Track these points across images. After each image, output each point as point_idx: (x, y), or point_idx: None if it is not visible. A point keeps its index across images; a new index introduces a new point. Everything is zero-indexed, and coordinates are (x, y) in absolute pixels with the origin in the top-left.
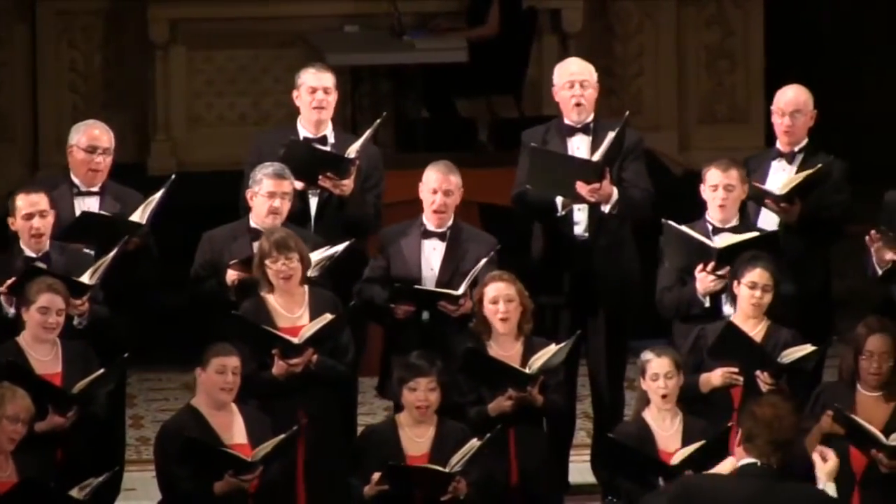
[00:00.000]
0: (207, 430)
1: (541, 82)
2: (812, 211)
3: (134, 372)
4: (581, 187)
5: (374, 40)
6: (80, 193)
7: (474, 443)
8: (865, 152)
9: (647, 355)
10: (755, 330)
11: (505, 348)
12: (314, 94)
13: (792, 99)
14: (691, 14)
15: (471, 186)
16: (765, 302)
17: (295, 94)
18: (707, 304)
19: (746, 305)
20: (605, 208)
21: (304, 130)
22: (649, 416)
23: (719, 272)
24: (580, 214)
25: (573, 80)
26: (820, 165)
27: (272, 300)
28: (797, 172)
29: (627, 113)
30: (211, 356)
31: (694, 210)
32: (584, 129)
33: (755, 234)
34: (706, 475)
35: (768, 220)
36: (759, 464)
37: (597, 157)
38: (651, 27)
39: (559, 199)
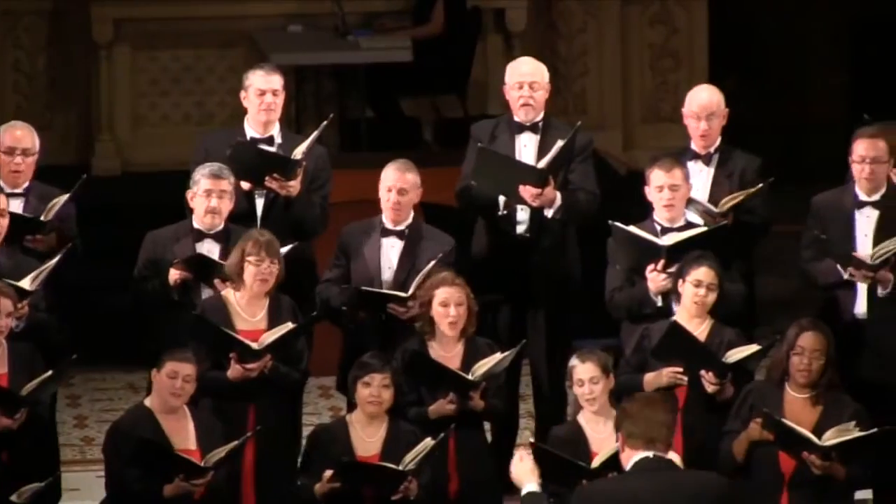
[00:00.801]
0: (159, 432)
1: (485, 81)
2: (737, 214)
3: (78, 372)
4: (524, 191)
5: (318, 40)
6: (8, 195)
7: (428, 442)
8: (808, 152)
9: (573, 361)
10: (699, 329)
11: (447, 349)
12: (262, 96)
13: (706, 102)
14: (635, 13)
15: None
16: (709, 301)
17: (242, 94)
18: (660, 304)
19: (690, 304)
20: (548, 213)
21: (251, 131)
22: (583, 418)
23: (670, 270)
24: (523, 214)
25: (523, 82)
26: (761, 185)
27: (234, 300)
28: (715, 172)
29: (580, 123)
30: (166, 359)
31: (638, 209)
32: (533, 128)
33: (703, 229)
34: (603, 480)
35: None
36: (651, 456)
37: (542, 164)
38: (595, 26)
39: (502, 199)
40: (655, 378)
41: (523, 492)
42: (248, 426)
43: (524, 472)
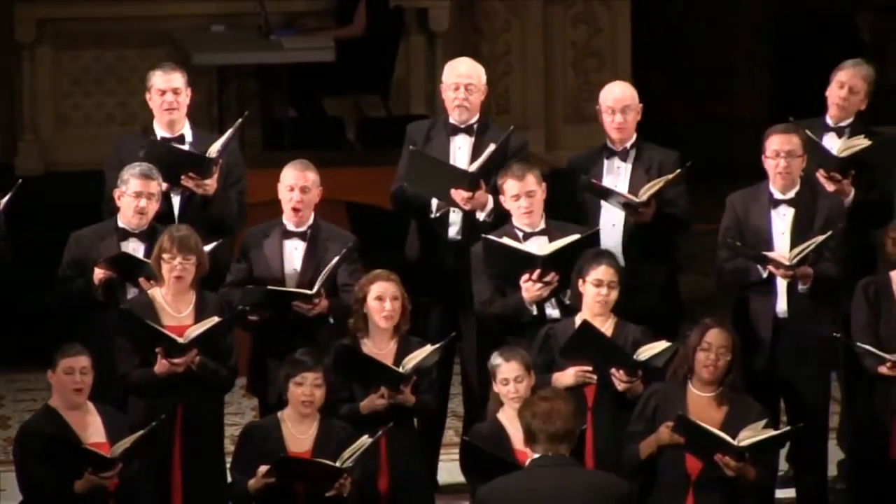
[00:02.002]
0: (66, 429)
1: (408, 81)
2: (658, 207)
3: (2, 373)
4: (455, 194)
5: (240, 40)
6: None
7: (365, 439)
8: (732, 151)
9: (496, 360)
10: (603, 327)
11: (380, 346)
12: (163, 95)
13: (620, 96)
14: (558, 12)
15: (338, 185)
16: (611, 299)
17: (147, 95)
18: (535, 312)
19: (592, 303)
20: (480, 216)
21: (160, 131)
22: (504, 416)
23: (545, 279)
24: (455, 216)
25: (459, 83)
26: (679, 171)
27: (160, 298)
28: (633, 167)
29: (512, 128)
30: (59, 358)
31: (562, 209)
32: (468, 130)
33: (575, 237)
34: (501, 479)
35: (611, 216)
36: (551, 454)
37: (473, 167)
38: (518, 26)
39: (434, 201)
40: (562, 377)
41: None
42: (176, 424)
43: None
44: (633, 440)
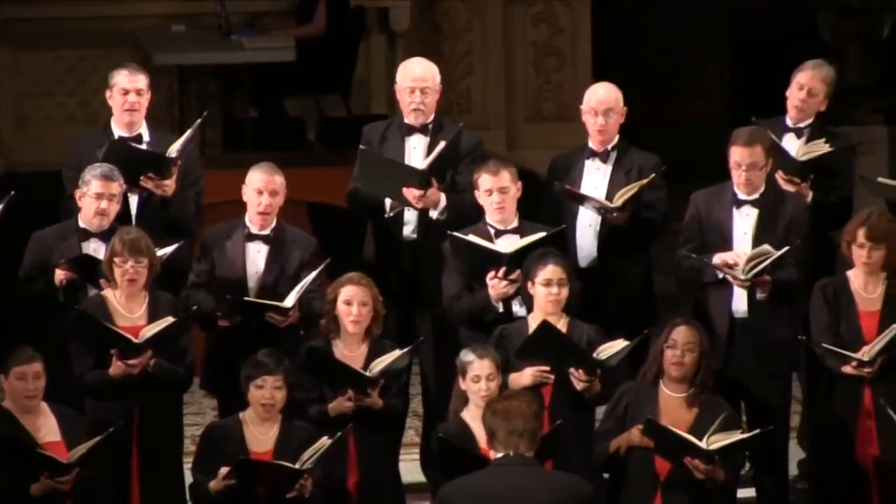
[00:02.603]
0: (20, 430)
1: (369, 81)
2: (635, 210)
3: None
4: (407, 193)
5: (201, 40)
6: None
7: (325, 441)
8: (691, 150)
9: (468, 356)
10: (557, 326)
11: (351, 349)
12: (126, 95)
13: (604, 98)
14: (519, 12)
15: (299, 186)
16: (562, 297)
17: (108, 93)
18: (501, 309)
19: (544, 303)
20: (433, 214)
21: (118, 130)
22: (468, 415)
23: (511, 277)
24: (410, 215)
25: (414, 86)
26: (653, 175)
27: (113, 299)
28: (612, 170)
29: (461, 124)
30: (10, 364)
31: (522, 208)
32: (423, 130)
33: (541, 235)
34: (463, 478)
35: (588, 215)
36: (511, 454)
37: (423, 165)
38: (479, 25)
39: (388, 201)
40: (519, 378)
41: None
42: (133, 425)
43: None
44: (604, 438)
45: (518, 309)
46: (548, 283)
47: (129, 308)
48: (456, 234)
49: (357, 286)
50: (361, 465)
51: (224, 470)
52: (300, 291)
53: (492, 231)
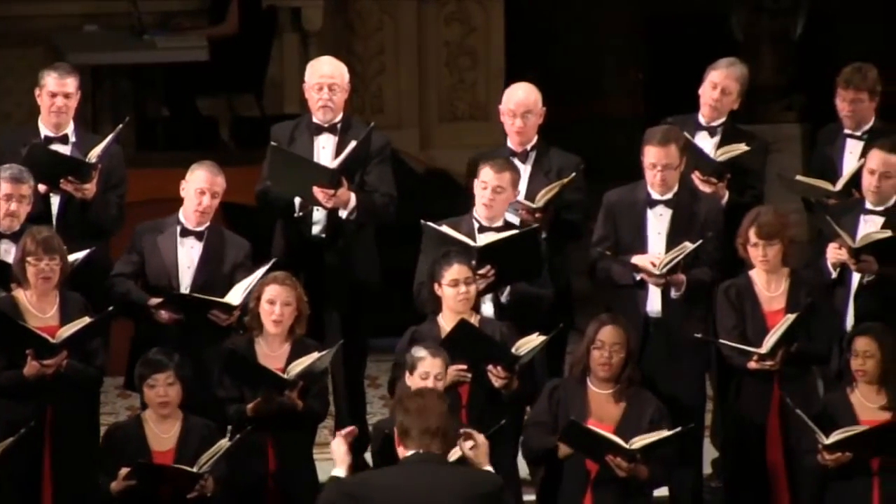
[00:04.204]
0: None
1: (281, 81)
2: (555, 212)
3: None
4: (317, 192)
5: (114, 39)
6: None
7: (223, 443)
8: (606, 150)
9: (420, 353)
10: None
11: (273, 348)
12: (54, 98)
13: (522, 100)
14: (431, 11)
15: None
16: (471, 295)
17: (37, 92)
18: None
19: (454, 303)
20: (343, 213)
21: (45, 129)
22: None
23: (480, 272)
24: (318, 215)
25: (322, 84)
26: (573, 175)
27: (24, 299)
28: (532, 170)
29: (373, 124)
30: None
31: (436, 208)
32: (332, 129)
33: (514, 231)
34: (370, 472)
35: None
36: (420, 451)
37: (334, 164)
38: (391, 24)
39: (298, 200)
40: None
41: (332, 473)
42: (45, 426)
43: (338, 455)
44: (537, 429)
45: (485, 308)
46: (455, 284)
47: (40, 308)
48: (429, 223)
49: (281, 286)
50: (279, 466)
51: (123, 471)
52: (246, 291)
53: (476, 225)
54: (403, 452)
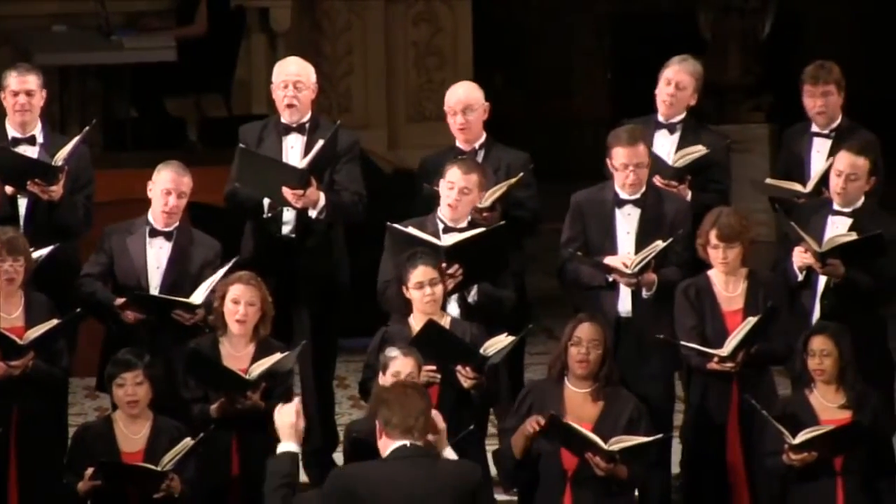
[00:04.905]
0: None
1: (249, 81)
2: (505, 209)
3: None
4: (286, 192)
5: (82, 40)
6: None
7: (188, 441)
8: (572, 149)
9: (393, 352)
10: None
11: (237, 349)
12: (16, 96)
13: (462, 97)
14: (399, 11)
15: None
16: (438, 296)
17: (2, 95)
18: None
19: (421, 305)
20: (312, 213)
21: (11, 130)
22: None
23: (448, 271)
24: (288, 215)
25: (287, 81)
26: (521, 174)
27: None
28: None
29: (339, 122)
30: None
31: (404, 208)
32: (300, 129)
33: (482, 230)
34: (360, 464)
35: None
36: (408, 444)
37: (303, 164)
38: (359, 25)
39: (267, 201)
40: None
41: (279, 449)
42: (11, 426)
43: (285, 425)
44: (507, 436)
45: (451, 308)
46: (420, 286)
47: (6, 309)
48: (394, 224)
49: (246, 286)
50: (244, 466)
51: (89, 471)
52: (208, 290)
53: (441, 226)
54: (388, 444)
